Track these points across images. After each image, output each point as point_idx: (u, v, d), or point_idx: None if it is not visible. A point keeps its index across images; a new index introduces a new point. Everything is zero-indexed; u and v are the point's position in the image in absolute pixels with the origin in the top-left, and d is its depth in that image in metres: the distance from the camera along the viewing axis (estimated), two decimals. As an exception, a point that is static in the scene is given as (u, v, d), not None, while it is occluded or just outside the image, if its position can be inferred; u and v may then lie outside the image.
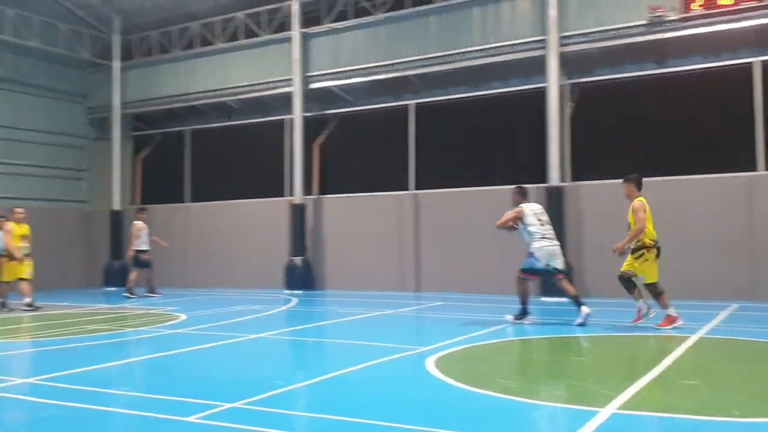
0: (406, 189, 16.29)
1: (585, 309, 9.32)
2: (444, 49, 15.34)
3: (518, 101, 15.37)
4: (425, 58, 15.56)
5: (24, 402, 5.61)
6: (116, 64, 19.84)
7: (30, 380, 6.43)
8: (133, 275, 15.88)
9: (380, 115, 17.24)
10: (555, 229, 10.06)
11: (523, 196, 10.05)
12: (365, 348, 8.22)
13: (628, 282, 9.16)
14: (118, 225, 19.70)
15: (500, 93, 15.54)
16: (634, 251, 9.07)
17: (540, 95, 14.38)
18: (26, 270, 13.22)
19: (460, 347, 7.94)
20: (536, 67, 14.47)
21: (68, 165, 19.88)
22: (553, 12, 13.98)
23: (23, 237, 13.34)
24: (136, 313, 12.52)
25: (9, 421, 5.09)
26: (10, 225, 13.35)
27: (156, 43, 19.62)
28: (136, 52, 19.99)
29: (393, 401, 5.49)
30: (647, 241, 8.97)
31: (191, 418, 4.85)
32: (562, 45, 14.05)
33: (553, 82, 14.05)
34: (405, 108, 16.55)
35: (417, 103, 16.42)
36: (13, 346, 9.07)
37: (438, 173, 16.11)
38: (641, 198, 9.16)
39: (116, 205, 19.78)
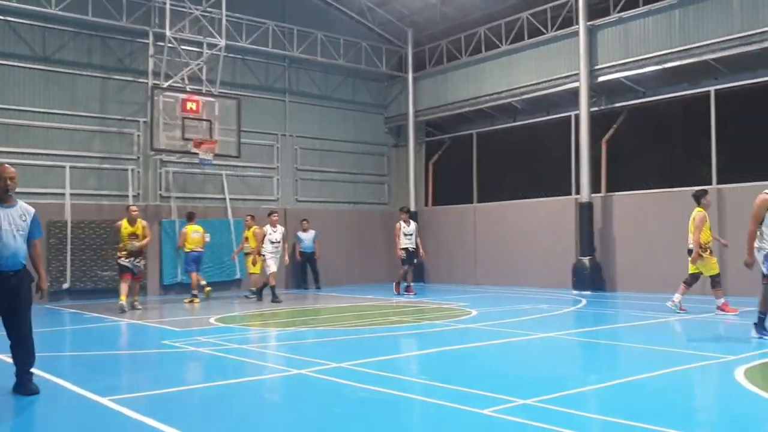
0: (708, 183, 14.95)
1: None
2: (750, 28, 13.81)
3: None
4: (727, 40, 14.15)
5: (338, 384, 6.31)
6: (410, 75, 21.29)
7: (343, 364, 7.21)
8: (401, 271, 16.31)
9: (675, 105, 16.10)
10: None
11: None
12: (662, 353, 7.79)
13: None
14: (412, 225, 21.11)
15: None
16: None
17: None
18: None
19: (774, 359, 7.14)
20: None
21: (371, 170, 21.82)
22: None
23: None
24: (432, 308, 13.31)
25: (326, 400, 5.79)
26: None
27: (446, 51, 20.60)
28: (427, 62, 21.21)
29: (696, 411, 5.15)
30: None
31: (486, 411, 5.06)
32: None
33: None
34: (704, 95, 15.22)
35: (718, 90, 15.00)
36: (329, 333, 10.25)
37: (744, 166, 14.51)
38: None
39: (412, 206, 21.15)
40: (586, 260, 16.41)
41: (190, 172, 17.89)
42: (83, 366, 7.77)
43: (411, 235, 16.23)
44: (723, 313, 11.07)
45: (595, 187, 16.75)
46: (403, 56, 21.63)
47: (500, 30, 18.80)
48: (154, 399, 5.90)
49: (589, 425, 4.90)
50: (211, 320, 11.57)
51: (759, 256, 8.30)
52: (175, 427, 4.82)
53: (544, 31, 17.78)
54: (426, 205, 21.67)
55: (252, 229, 16.10)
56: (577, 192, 17.02)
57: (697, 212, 11.25)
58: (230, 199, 18.35)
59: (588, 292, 15.93)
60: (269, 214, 15.49)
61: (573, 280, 16.56)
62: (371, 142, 21.80)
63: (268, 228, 15.15)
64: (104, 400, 5.66)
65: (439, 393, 5.78)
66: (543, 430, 4.61)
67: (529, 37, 18.14)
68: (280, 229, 15.26)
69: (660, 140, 16.54)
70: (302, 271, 18.97)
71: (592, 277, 16.35)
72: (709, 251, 11.24)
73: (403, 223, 16.30)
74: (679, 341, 8.84)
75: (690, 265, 11.28)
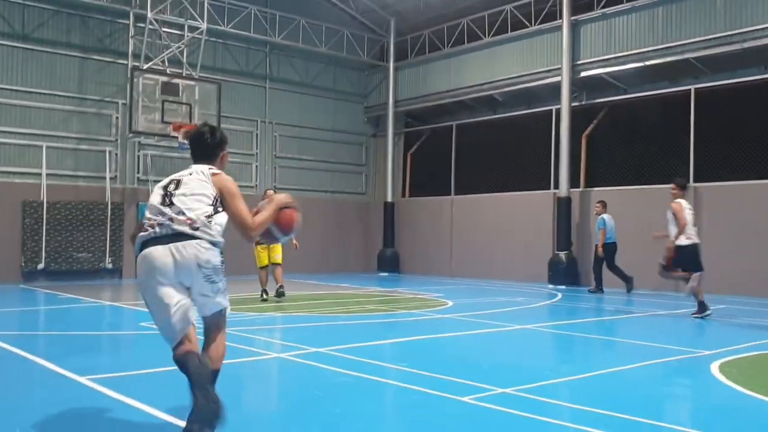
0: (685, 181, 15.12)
1: None
2: (731, 28, 14.01)
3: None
4: (708, 39, 14.35)
5: (317, 369, 6.30)
6: (391, 65, 21.22)
7: (322, 350, 7.20)
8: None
9: (655, 103, 16.27)
10: None
11: None
12: (638, 347, 7.88)
13: None
14: (391, 215, 21.12)
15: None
16: None
17: None
18: None
19: (748, 353, 7.26)
20: None
21: (349, 160, 21.74)
22: None
23: None
24: (407, 297, 13.34)
25: (306, 385, 5.77)
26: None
27: (428, 41, 20.56)
28: (409, 52, 21.16)
29: (670, 402, 5.23)
30: None
31: (466, 399, 5.08)
32: None
33: None
34: (684, 94, 15.38)
35: (698, 88, 15.17)
36: (307, 319, 10.22)
37: (722, 164, 14.72)
38: None
39: (389, 197, 21.19)
40: (562, 255, 16.54)
41: (169, 155, 17.68)
42: (58, 345, 7.67)
43: None
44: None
45: (573, 182, 16.87)
46: (385, 45, 21.56)
47: (484, 22, 18.81)
48: (134, 379, 5.83)
49: (568, 414, 4.94)
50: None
51: None
52: (147, 403, 4.77)
53: (528, 24, 17.82)
54: (403, 196, 21.68)
55: None
56: (556, 186, 17.14)
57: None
58: (208, 184, 18.15)
59: (563, 287, 16.08)
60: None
61: (549, 274, 16.69)
62: (350, 131, 21.73)
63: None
64: (82, 379, 5.59)
65: (418, 380, 5.78)
66: (521, 417, 4.65)
67: (512, 30, 18.18)
68: None
69: (639, 137, 16.69)
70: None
71: (568, 271, 16.49)
72: None
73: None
74: (654, 336, 8.95)
75: None
